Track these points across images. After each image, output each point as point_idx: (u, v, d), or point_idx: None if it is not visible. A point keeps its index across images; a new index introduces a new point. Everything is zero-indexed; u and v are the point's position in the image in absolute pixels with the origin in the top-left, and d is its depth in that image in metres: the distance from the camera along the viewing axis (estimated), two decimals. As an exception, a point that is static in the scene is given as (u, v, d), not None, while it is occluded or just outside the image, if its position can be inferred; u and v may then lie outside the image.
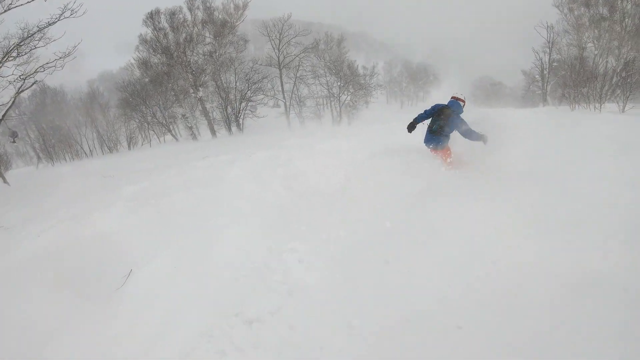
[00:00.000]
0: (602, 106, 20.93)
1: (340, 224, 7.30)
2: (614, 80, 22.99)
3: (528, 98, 51.09)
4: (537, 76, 45.53)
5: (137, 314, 5.05)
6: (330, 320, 4.77)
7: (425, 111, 9.26)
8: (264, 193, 8.90)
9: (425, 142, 9.28)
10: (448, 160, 8.97)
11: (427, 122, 9.38)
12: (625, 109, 19.62)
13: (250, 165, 10.98)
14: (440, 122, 8.85)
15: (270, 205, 8.29)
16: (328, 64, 43.18)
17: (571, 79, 25.05)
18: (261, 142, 20.13)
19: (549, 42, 41.49)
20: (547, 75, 42.68)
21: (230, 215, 7.68)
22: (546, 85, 42.95)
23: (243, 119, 38.30)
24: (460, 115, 8.82)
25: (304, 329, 4.69)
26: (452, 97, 9.16)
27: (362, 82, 47.00)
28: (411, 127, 9.36)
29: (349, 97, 44.51)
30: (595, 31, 35.50)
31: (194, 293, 5.39)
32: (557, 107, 27.91)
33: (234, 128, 37.64)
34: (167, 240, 6.69)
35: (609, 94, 22.29)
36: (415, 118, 9.40)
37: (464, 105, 9.15)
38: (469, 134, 8.53)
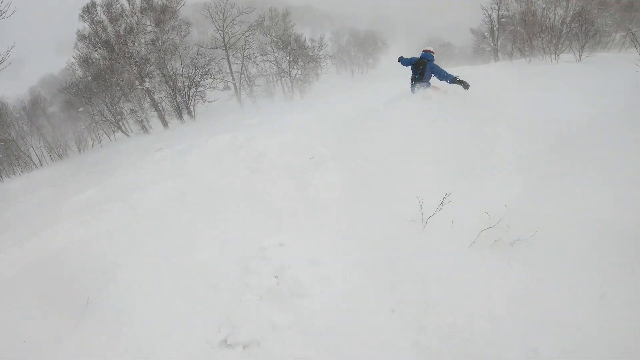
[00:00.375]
0: (559, 57, 21.18)
1: (327, 206, 6.84)
2: (564, 31, 23.25)
3: (478, 56, 51.56)
4: (486, 34, 45.73)
5: (101, 355, 4.25)
6: (345, 332, 4.21)
7: (404, 59, 10.97)
8: (230, 179, 8.27)
9: (412, 93, 10.67)
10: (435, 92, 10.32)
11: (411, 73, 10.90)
12: (581, 58, 19.86)
13: (209, 152, 10.20)
14: (419, 72, 10.41)
15: (240, 193, 7.65)
16: (275, 39, 42.41)
17: (525, 33, 25.39)
18: (216, 127, 19.60)
19: (497, -2, 41.48)
20: (496, 32, 42.73)
21: (197, 212, 7.00)
22: (497, 42, 43.18)
23: (194, 106, 36.94)
24: (433, 62, 10.40)
25: (315, 345, 4.10)
26: (423, 50, 10.74)
27: (311, 54, 46.39)
28: (403, 63, 11.01)
29: (299, 71, 43.86)
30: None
31: (170, 316, 4.64)
32: (512, 61, 28.12)
33: (185, 116, 36.16)
34: (129, 252, 5.89)
35: (564, 44, 22.57)
36: (399, 59, 11.18)
37: (434, 55, 10.63)
38: (443, 75, 10.00)
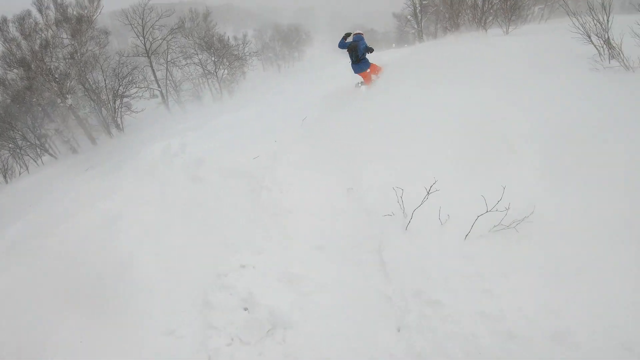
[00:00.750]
0: (487, 32, 21.85)
1: (288, 209, 6.17)
2: (486, 7, 23.96)
3: (402, 39, 52.24)
4: (409, 17, 46.41)
5: None
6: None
7: (340, 43, 12.30)
8: (169, 193, 7.63)
9: (354, 72, 12.43)
10: (379, 73, 12.31)
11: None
12: (508, 31, 20.33)
13: (142, 164, 9.55)
14: (355, 54, 11.90)
15: (182, 207, 7.01)
16: (198, 41, 41.66)
17: (450, 11, 26.00)
18: (146, 137, 18.96)
19: (418, -19, 41.82)
20: (419, 14, 43.48)
21: (136, 237, 6.30)
22: (421, 23, 44.00)
23: (121, 118, 35.41)
24: (363, 40, 12.08)
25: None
26: (354, 34, 12.30)
27: (236, 53, 45.90)
28: (340, 46, 12.35)
29: (225, 71, 43.28)
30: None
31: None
32: (440, 40, 28.61)
33: (114, 130, 34.64)
34: (61, 303, 5.12)
35: (489, 19, 23.24)
36: (343, 36, 12.33)
37: (364, 35, 12.40)
38: (364, 49, 11.82)
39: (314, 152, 7.66)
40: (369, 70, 12.18)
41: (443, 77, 9.47)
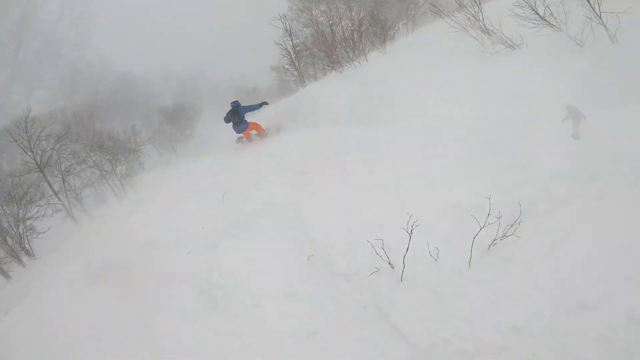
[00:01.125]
0: (367, 57, 22.93)
1: (256, 306, 5.58)
2: (356, 37, 25.55)
3: (286, 89, 53.23)
4: (286, 66, 47.80)
5: None
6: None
7: (225, 118, 15.44)
8: (103, 321, 6.65)
9: (237, 133, 15.63)
10: (263, 130, 15.36)
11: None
12: (386, 50, 21.96)
13: (64, 294, 8.51)
14: (235, 116, 14.93)
15: (127, 341, 6.03)
16: (87, 142, 40.77)
17: (325, 49, 27.41)
18: (61, 258, 18.05)
19: (287, 31, 43.07)
20: (296, 61, 44.85)
21: None
22: (300, 69, 45.38)
23: (29, 243, 32.79)
24: (241, 105, 14.90)
25: None
26: (231, 103, 15.50)
27: (129, 145, 45.26)
28: (227, 121, 15.47)
29: (124, 167, 42.44)
30: (323, 5, 40.88)
31: None
32: (324, 79, 29.59)
33: (25, 258, 31.80)
34: None
35: (364, 46, 24.82)
36: (224, 120, 15.56)
37: (239, 101, 15.29)
38: (251, 109, 14.81)
39: (250, 227, 7.28)
40: (251, 129, 15.24)
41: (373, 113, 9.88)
